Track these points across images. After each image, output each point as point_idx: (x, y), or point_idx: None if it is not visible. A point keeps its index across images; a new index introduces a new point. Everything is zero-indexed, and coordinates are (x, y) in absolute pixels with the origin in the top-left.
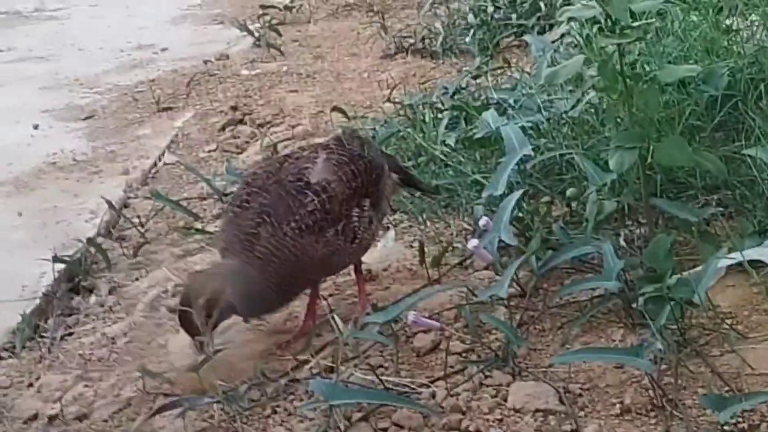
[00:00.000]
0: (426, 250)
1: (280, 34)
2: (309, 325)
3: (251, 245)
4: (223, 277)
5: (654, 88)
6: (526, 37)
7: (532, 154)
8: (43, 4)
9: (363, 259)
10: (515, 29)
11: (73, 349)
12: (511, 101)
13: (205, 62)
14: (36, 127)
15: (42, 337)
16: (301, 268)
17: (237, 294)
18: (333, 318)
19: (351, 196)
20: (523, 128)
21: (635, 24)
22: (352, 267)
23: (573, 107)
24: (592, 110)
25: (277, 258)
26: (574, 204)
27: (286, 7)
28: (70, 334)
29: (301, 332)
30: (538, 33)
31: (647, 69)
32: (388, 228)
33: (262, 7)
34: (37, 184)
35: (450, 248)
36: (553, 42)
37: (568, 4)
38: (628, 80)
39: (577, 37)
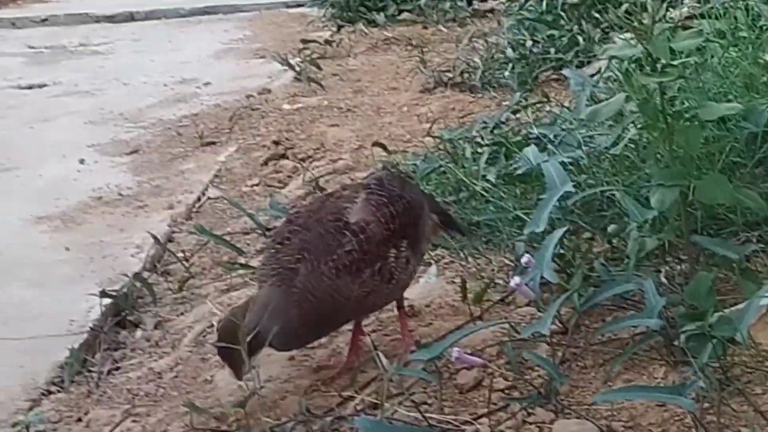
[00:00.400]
0: (468, 286)
1: (320, 69)
2: (353, 362)
3: (290, 280)
4: (260, 309)
5: (695, 126)
6: (565, 71)
7: (573, 190)
8: (88, 39)
9: (405, 294)
10: (554, 63)
11: (120, 383)
12: (551, 136)
13: (248, 96)
14: (82, 161)
15: (90, 371)
16: (336, 308)
17: (273, 327)
18: (377, 354)
19: (389, 237)
20: (563, 164)
21: (675, 61)
22: (394, 303)
23: (613, 144)
24: (633, 146)
25: (313, 296)
26: (615, 241)
27: (326, 42)
28: (117, 368)
29: (346, 368)
30: (577, 67)
31: (687, 106)
32: (430, 264)
33: (303, 41)
34: (84, 218)
35: (492, 285)
36: (592, 76)
37: (607, 38)
38: (668, 118)
39: (616, 72)
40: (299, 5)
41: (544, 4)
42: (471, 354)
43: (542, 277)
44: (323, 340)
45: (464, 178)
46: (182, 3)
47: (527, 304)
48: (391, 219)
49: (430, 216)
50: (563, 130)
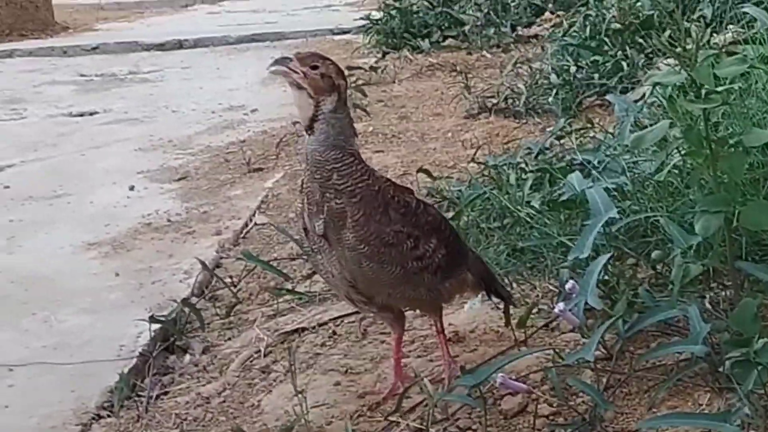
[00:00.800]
0: (512, 311)
1: (365, 95)
2: (398, 387)
3: None
4: None
5: (739, 152)
6: (609, 97)
7: (618, 216)
8: (138, 67)
9: (450, 320)
10: (597, 89)
11: (169, 408)
12: (595, 162)
13: (294, 123)
14: (132, 188)
15: (139, 396)
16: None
17: None
18: (422, 380)
19: (428, 231)
20: (607, 190)
21: (719, 88)
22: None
23: (658, 170)
24: (677, 173)
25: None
26: (659, 267)
27: (371, 68)
28: (166, 393)
29: (391, 394)
30: (621, 93)
31: (732, 132)
32: None
33: (348, 68)
34: (133, 244)
35: (536, 310)
36: (636, 102)
37: (650, 64)
38: (713, 144)
39: (660, 98)
40: (345, 33)
41: (588, 30)
42: (515, 380)
43: (586, 303)
44: (368, 365)
45: (509, 205)
46: (230, 31)
47: (571, 330)
48: (437, 222)
49: (467, 274)
50: (607, 156)
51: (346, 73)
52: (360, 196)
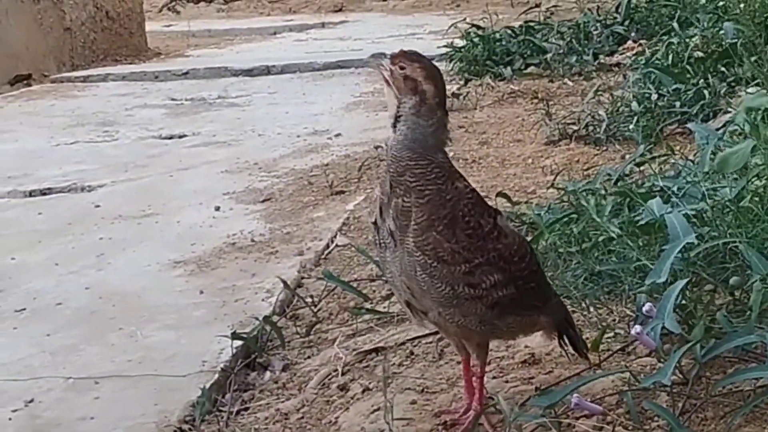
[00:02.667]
0: (588, 335)
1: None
2: (474, 406)
3: None
4: None
5: None
6: (690, 125)
7: (696, 242)
8: (227, 92)
9: (527, 342)
10: (679, 117)
11: (248, 423)
12: (674, 188)
13: (376, 147)
14: (218, 209)
15: (220, 411)
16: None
17: None
18: (498, 399)
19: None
20: (686, 216)
21: None
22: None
23: (737, 196)
24: (757, 199)
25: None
26: (737, 293)
27: (453, 95)
28: (246, 409)
29: (467, 413)
30: (702, 120)
31: None
32: None
33: None
34: (218, 263)
35: (613, 333)
36: (717, 130)
37: (732, 92)
38: None
39: (742, 125)
40: None
41: (670, 57)
42: (591, 402)
43: (663, 327)
44: (444, 385)
45: (588, 228)
46: (316, 58)
47: (648, 354)
48: (509, 254)
49: (546, 315)
50: (687, 182)
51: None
52: (428, 199)
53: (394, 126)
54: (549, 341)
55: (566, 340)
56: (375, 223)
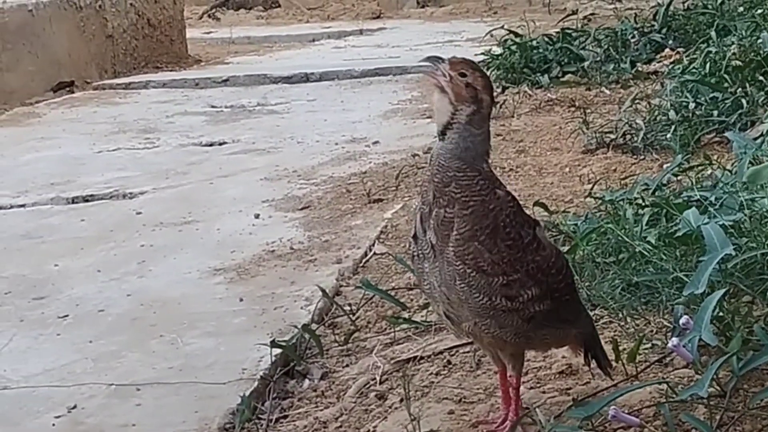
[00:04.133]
0: (625, 346)
1: None
2: (510, 416)
3: None
4: None
5: None
6: (728, 134)
7: (734, 253)
8: (266, 99)
9: (564, 354)
10: (716, 126)
11: (287, 431)
12: (712, 199)
13: (414, 155)
14: (257, 216)
15: (259, 418)
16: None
17: None
18: (535, 410)
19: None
20: (724, 227)
21: None
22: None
23: None
24: None
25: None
26: None
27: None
28: (285, 416)
29: (503, 423)
30: (740, 130)
31: None
32: None
33: None
34: (257, 271)
35: (650, 344)
36: (755, 139)
37: None
38: None
39: None
40: None
41: (708, 66)
42: (628, 413)
43: (701, 339)
44: (482, 395)
45: (625, 239)
46: (354, 65)
47: (685, 366)
48: (546, 266)
49: (577, 329)
50: (725, 192)
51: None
52: (471, 210)
53: (444, 134)
54: (575, 356)
55: (590, 356)
56: (415, 235)
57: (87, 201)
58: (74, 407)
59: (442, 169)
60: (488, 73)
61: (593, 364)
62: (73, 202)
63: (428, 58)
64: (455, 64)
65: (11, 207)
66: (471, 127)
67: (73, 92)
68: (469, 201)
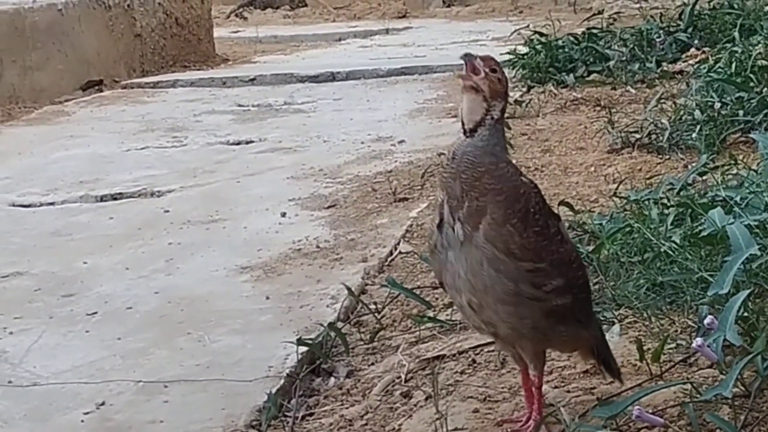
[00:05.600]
0: (649, 346)
1: (509, 128)
2: (535, 415)
3: None
4: None
5: None
6: (753, 134)
7: (759, 253)
8: (292, 98)
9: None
10: (742, 126)
11: (313, 429)
12: (737, 199)
13: (439, 154)
14: (283, 215)
15: (285, 416)
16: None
17: None
18: (559, 409)
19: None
20: (749, 227)
21: None
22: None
23: None
24: None
25: None
26: None
27: (516, 102)
28: (311, 414)
29: (528, 422)
30: (766, 129)
31: None
32: (613, 323)
33: None
34: (284, 269)
35: (675, 344)
36: None
37: None
38: None
39: None
40: None
41: (734, 66)
42: (652, 413)
43: (725, 339)
44: (507, 394)
45: (650, 238)
46: (380, 64)
47: (710, 366)
48: (568, 258)
49: (585, 330)
50: (750, 192)
51: None
52: (505, 196)
53: (474, 131)
54: (585, 361)
55: (602, 363)
56: (439, 225)
57: (115, 199)
58: (102, 404)
59: (473, 166)
60: (514, 72)
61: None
62: (101, 200)
63: (465, 55)
64: (488, 61)
65: (41, 205)
66: (499, 123)
67: (101, 91)
68: (502, 188)
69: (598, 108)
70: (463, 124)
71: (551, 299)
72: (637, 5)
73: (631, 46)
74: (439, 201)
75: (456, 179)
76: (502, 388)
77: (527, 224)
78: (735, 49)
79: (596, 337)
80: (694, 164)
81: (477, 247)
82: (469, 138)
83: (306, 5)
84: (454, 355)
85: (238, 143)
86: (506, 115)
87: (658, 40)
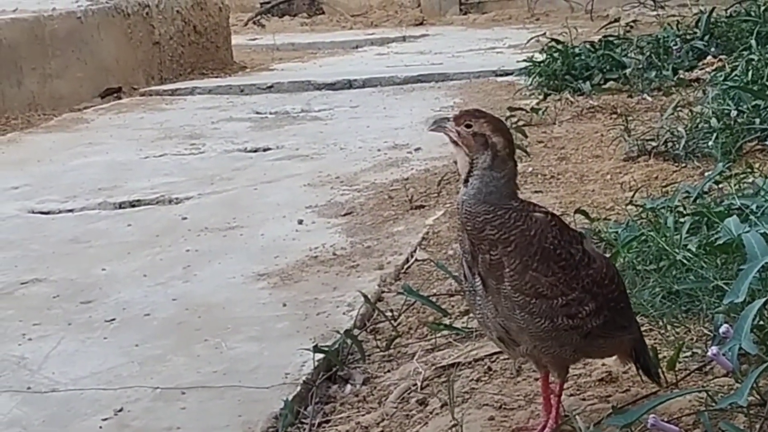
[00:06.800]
0: (665, 354)
1: (525, 136)
2: (551, 425)
3: None
4: None
5: None
6: None
7: None
8: (309, 106)
9: (605, 361)
10: (758, 133)
11: None
12: (753, 207)
13: (455, 162)
14: (300, 222)
15: (302, 423)
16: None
17: None
18: (574, 417)
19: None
20: (765, 235)
21: None
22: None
23: None
24: None
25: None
26: None
27: (532, 109)
28: (327, 421)
29: (543, 430)
30: None
31: None
32: None
33: (510, 109)
34: (301, 276)
35: (690, 353)
36: None
37: None
38: None
39: None
40: (507, 74)
41: (750, 74)
42: (667, 422)
43: (741, 348)
44: (522, 401)
45: (666, 247)
46: (397, 72)
47: (725, 375)
48: (599, 278)
49: (631, 334)
50: (766, 201)
51: (508, 114)
52: (515, 245)
53: (466, 182)
54: (623, 364)
55: (640, 363)
56: (465, 276)
57: (134, 206)
58: (120, 410)
59: (471, 216)
60: (530, 80)
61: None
62: (120, 208)
63: (435, 122)
64: (459, 118)
65: (60, 212)
66: (492, 171)
67: (120, 98)
68: (509, 237)
69: (614, 116)
70: None
71: (588, 322)
72: (654, 13)
73: (648, 53)
74: (459, 253)
75: (463, 231)
76: (518, 395)
77: (549, 262)
78: (752, 56)
79: (636, 339)
80: (710, 172)
81: (505, 297)
82: (464, 187)
83: (323, 13)
84: (470, 363)
85: (256, 150)
86: (522, 123)
87: (674, 47)
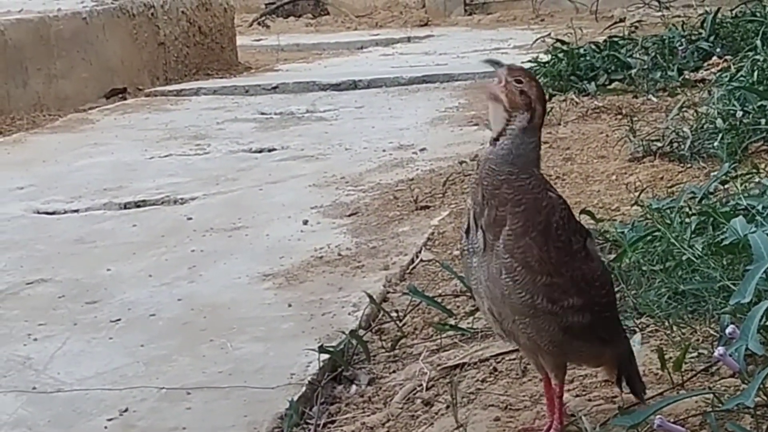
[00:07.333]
0: (671, 354)
1: None
2: (556, 426)
3: None
4: None
5: None
6: None
7: None
8: (314, 107)
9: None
10: (764, 134)
11: None
12: (759, 207)
13: (460, 162)
14: (305, 222)
15: (307, 423)
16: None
17: None
18: (580, 418)
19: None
20: None
21: None
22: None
23: None
24: None
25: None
26: None
27: None
28: (333, 422)
29: (548, 431)
30: None
31: None
32: (635, 331)
33: None
34: (306, 277)
35: (696, 353)
36: None
37: None
38: None
39: None
40: None
41: (756, 74)
42: (674, 423)
43: (747, 348)
44: (528, 402)
45: (673, 246)
46: (402, 72)
47: (732, 375)
48: (590, 277)
49: (612, 351)
50: None
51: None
52: (524, 207)
53: (496, 140)
54: (610, 378)
55: (624, 379)
56: (467, 230)
57: (139, 207)
58: (126, 410)
59: (492, 173)
60: None
61: (625, 387)
62: (125, 208)
63: (488, 61)
64: (513, 71)
65: (65, 212)
66: (524, 135)
67: (125, 99)
68: (522, 199)
69: (619, 116)
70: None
71: (567, 315)
72: (659, 13)
73: (653, 54)
74: (468, 206)
75: (478, 185)
76: (524, 396)
77: (548, 238)
78: (757, 57)
79: (620, 355)
80: (715, 173)
81: (497, 256)
82: (492, 146)
83: (328, 14)
84: (475, 364)
85: (261, 151)
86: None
87: (679, 48)
